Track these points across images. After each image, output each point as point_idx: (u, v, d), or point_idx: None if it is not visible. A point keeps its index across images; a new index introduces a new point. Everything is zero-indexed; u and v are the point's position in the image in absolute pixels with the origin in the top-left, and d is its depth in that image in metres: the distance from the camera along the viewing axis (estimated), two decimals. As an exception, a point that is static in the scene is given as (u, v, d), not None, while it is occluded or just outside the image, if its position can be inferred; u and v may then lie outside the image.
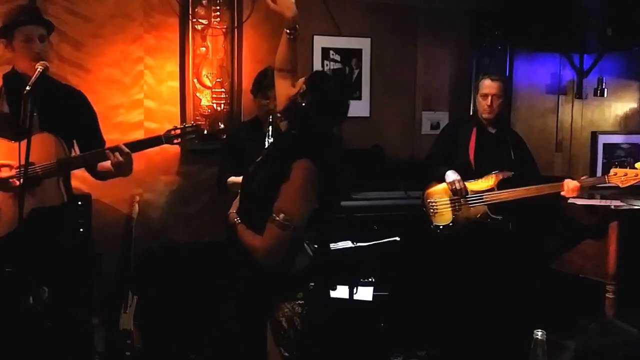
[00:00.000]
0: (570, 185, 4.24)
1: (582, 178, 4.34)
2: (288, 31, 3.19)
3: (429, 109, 5.99)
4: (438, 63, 6.03)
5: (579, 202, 4.87)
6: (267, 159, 2.91)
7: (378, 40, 5.75)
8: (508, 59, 6.08)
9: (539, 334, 2.51)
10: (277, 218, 2.68)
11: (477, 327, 4.36)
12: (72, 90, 3.75)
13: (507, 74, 6.04)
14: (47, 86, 3.43)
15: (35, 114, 3.30)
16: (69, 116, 3.54)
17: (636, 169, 4.18)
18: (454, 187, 4.43)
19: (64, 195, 3.46)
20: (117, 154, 3.39)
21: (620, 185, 4.22)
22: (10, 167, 3.33)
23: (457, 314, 4.46)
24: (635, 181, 4.18)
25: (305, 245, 2.85)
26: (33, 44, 3.40)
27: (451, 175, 4.48)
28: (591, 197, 5.10)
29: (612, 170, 4.25)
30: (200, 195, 5.10)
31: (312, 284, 2.84)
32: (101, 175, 3.71)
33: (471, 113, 5.50)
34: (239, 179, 4.18)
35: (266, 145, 4.05)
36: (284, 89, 3.11)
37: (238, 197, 3.03)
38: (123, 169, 3.47)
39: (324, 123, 2.89)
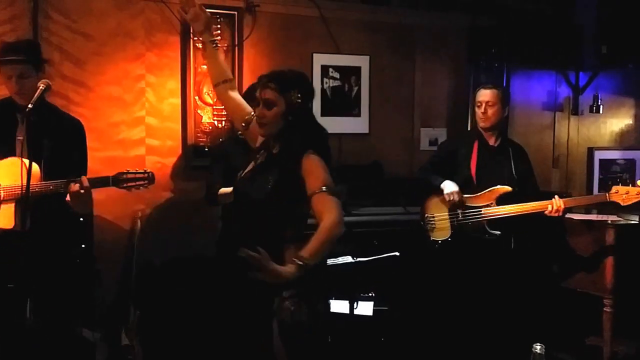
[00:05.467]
0: (554, 207, 4.26)
1: (568, 199, 4.33)
2: (211, 43, 3.21)
3: (427, 126, 6.04)
4: (436, 80, 6.09)
5: (576, 217, 4.91)
6: (266, 165, 2.99)
7: (377, 58, 5.82)
8: (505, 76, 6.13)
9: (537, 348, 2.54)
10: (325, 189, 2.80)
11: (477, 341, 4.38)
12: (71, 119, 3.73)
13: (504, 91, 6.10)
14: (44, 113, 3.47)
15: (20, 137, 3.37)
16: (60, 146, 3.49)
17: (638, 186, 4.16)
18: (451, 198, 4.42)
19: (16, 222, 3.37)
20: (77, 185, 3.32)
21: (622, 204, 4.18)
22: None
23: (456, 329, 4.47)
24: (637, 199, 4.16)
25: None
26: (10, 81, 3.42)
27: (449, 186, 4.46)
28: (588, 212, 5.13)
29: (614, 188, 4.21)
30: (202, 210, 5.13)
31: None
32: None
33: (469, 128, 5.48)
34: (230, 189, 4.22)
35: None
36: (237, 107, 3.23)
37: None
38: (79, 201, 3.39)
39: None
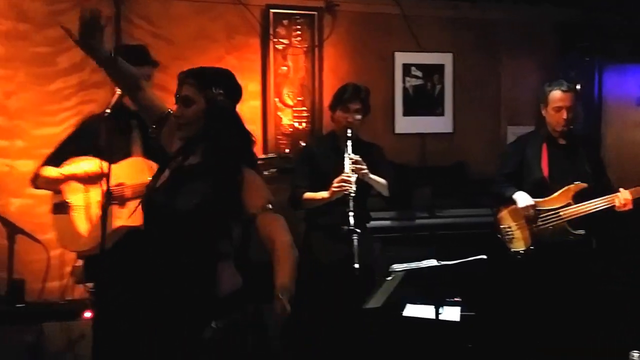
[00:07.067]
0: (622, 200, 4.03)
1: (635, 188, 4.09)
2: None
3: (514, 124, 5.90)
4: (523, 76, 5.96)
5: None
6: (190, 173, 2.73)
7: (460, 55, 5.73)
8: (596, 71, 5.91)
9: (635, 355, 2.44)
10: (271, 207, 2.70)
11: (570, 348, 4.21)
12: None
13: (596, 86, 5.88)
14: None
15: (138, 139, 3.53)
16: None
17: None
18: (527, 212, 4.29)
19: None
20: None
21: None
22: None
23: (547, 335, 4.32)
24: None
25: (231, 266, 2.76)
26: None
27: (523, 200, 4.31)
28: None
29: None
30: (284, 213, 5.12)
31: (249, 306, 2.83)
32: None
33: (536, 126, 5.23)
34: (317, 195, 4.17)
35: (346, 159, 4.02)
36: (150, 105, 2.91)
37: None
38: None
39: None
